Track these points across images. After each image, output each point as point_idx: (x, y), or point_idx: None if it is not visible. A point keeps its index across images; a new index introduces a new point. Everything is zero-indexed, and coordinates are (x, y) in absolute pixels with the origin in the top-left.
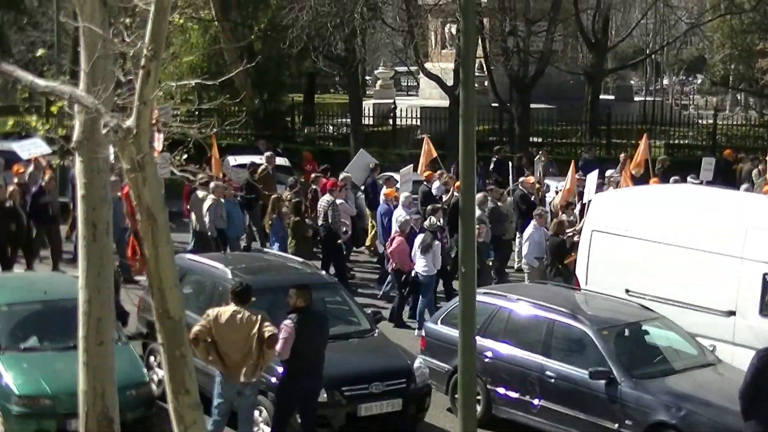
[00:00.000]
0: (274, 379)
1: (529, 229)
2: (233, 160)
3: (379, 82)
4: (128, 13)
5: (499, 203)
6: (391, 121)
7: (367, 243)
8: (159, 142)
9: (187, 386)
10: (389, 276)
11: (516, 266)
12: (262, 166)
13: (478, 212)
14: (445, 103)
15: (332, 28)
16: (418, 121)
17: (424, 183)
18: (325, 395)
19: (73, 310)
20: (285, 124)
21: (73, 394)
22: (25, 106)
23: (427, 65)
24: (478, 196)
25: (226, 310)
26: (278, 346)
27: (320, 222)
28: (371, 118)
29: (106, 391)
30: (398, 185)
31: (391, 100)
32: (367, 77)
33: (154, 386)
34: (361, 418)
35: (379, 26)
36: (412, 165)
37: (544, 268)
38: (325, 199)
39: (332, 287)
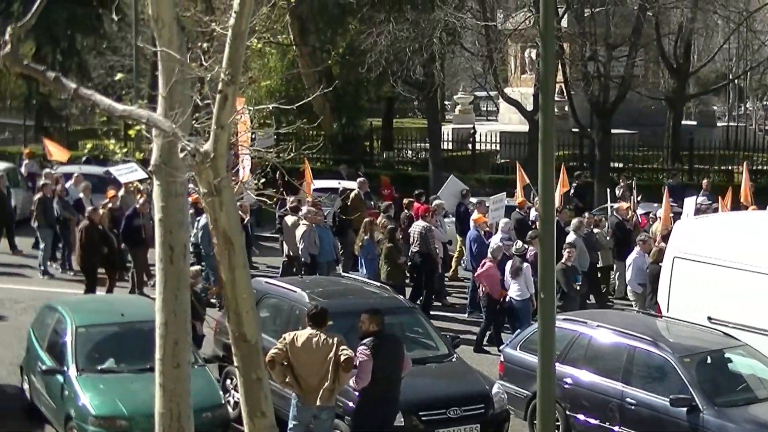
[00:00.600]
0: (351, 404)
1: (633, 255)
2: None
3: (458, 107)
4: (206, 38)
5: (595, 229)
6: (470, 146)
7: (453, 268)
8: (246, 169)
9: (262, 409)
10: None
11: (615, 293)
12: (355, 191)
13: (573, 237)
14: (524, 128)
15: (411, 52)
16: (498, 146)
17: (517, 210)
18: (402, 420)
19: (150, 333)
20: (363, 148)
21: (149, 416)
22: (104, 129)
23: (507, 90)
24: (574, 221)
25: (303, 334)
26: (356, 374)
27: (414, 248)
28: (450, 143)
29: (182, 414)
30: (490, 212)
31: (471, 125)
32: (446, 102)
33: (230, 409)
34: None
35: (459, 51)
36: (504, 192)
37: (646, 294)
38: (419, 225)
39: (410, 312)
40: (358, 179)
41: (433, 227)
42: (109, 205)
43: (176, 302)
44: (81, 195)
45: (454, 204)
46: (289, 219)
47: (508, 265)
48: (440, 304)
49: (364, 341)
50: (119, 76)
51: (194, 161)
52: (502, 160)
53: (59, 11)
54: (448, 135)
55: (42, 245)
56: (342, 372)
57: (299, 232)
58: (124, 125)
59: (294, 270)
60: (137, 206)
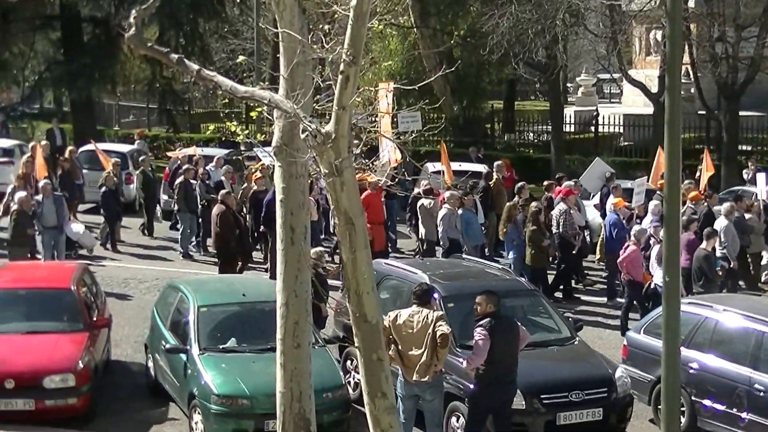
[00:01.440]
0: (472, 386)
1: None
2: (432, 166)
3: (580, 89)
4: (327, 20)
5: (746, 214)
6: (593, 129)
7: (597, 253)
8: (394, 152)
9: (383, 390)
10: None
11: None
12: (496, 176)
13: (724, 222)
14: (648, 110)
15: (533, 34)
16: (621, 128)
17: (658, 193)
18: (524, 402)
19: (271, 313)
20: (485, 131)
21: (270, 395)
22: (225, 112)
23: (631, 72)
24: (726, 206)
25: (406, 311)
26: (471, 354)
27: (553, 230)
28: (573, 126)
29: (302, 393)
30: (633, 195)
31: (593, 108)
32: (569, 84)
33: (350, 389)
34: (560, 427)
35: (582, 33)
36: (645, 176)
37: None
38: (558, 208)
39: (532, 294)
40: (496, 163)
41: (570, 210)
42: (254, 187)
43: (297, 282)
44: (222, 178)
45: (598, 187)
46: (425, 201)
47: (655, 249)
48: (581, 287)
49: (481, 322)
50: (241, 58)
51: (316, 142)
52: (626, 143)
53: None
54: (570, 118)
55: (181, 228)
56: (439, 348)
57: (440, 215)
58: (246, 108)
59: (429, 254)
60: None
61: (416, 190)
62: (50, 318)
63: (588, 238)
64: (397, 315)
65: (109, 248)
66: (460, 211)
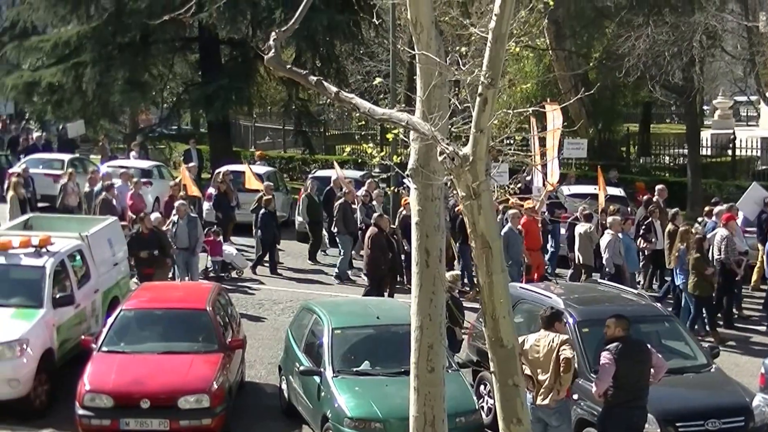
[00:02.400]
0: (598, 410)
1: None
2: (567, 189)
3: (717, 112)
4: (463, 42)
5: None
6: (730, 152)
7: (754, 279)
8: (552, 175)
9: (519, 415)
10: None
11: None
12: (655, 198)
13: None
14: None
15: (669, 56)
16: (759, 152)
17: None
18: (659, 430)
19: (405, 336)
20: (620, 153)
21: (403, 419)
22: (360, 134)
23: None
24: None
25: (533, 335)
26: (596, 378)
27: (715, 257)
28: (709, 149)
29: (436, 418)
30: None
31: (730, 131)
32: (705, 107)
33: (483, 414)
34: None
35: (719, 54)
36: None
37: None
38: (719, 234)
39: (668, 320)
40: (658, 187)
41: (733, 236)
42: (404, 212)
43: (431, 306)
44: (374, 203)
45: (755, 212)
46: (581, 227)
47: None
48: (736, 315)
49: (608, 346)
50: (377, 80)
51: (453, 165)
52: (763, 167)
53: (319, 17)
54: (706, 141)
55: (342, 251)
56: (562, 373)
57: (604, 241)
58: (381, 129)
59: (582, 278)
60: None
61: (573, 215)
62: (186, 338)
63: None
64: (524, 339)
65: (255, 271)
66: (620, 236)
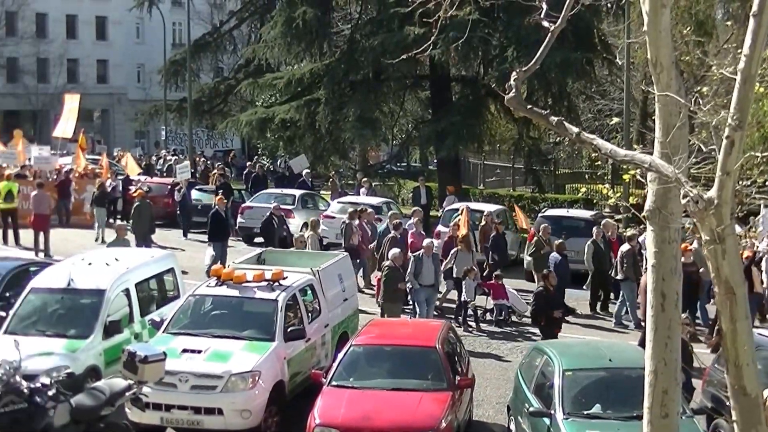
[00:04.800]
0: None
1: None
2: None
3: None
4: (704, 82)
5: None
6: None
7: None
8: None
9: None
10: None
11: None
12: None
13: None
14: None
15: None
16: None
17: None
18: None
19: (638, 380)
20: None
21: None
22: (591, 173)
23: None
24: None
25: None
26: None
27: None
28: None
29: None
30: None
31: None
32: None
33: None
34: None
35: None
36: None
37: None
38: None
39: None
40: None
41: None
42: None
43: (666, 350)
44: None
45: None
46: None
47: None
48: None
49: None
50: (615, 120)
51: (697, 208)
52: None
53: (553, 55)
54: None
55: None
56: None
57: None
58: (612, 169)
59: None
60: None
61: None
62: (414, 375)
63: None
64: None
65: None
66: None
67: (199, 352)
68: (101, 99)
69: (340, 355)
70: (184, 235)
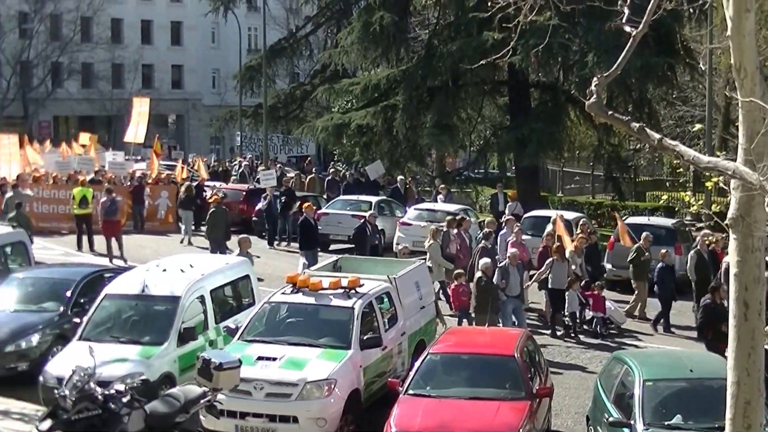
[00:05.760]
0: None
1: None
2: None
3: None
4: None
5: None
6: None
7: None
8: None
9: None
10: None
11: None
12: None
13: None
14: None
15: None
16: None
17: None
18: None
19: (719, 390)
20: None
21: None
22: (672, 180)
23: None
24: None
25: None
26: None
27: None
28: None
29: None
30: None
31: None
32: None
33: None
34: None
35: None
36: None
37: None
38: None
39: None
40: None
41: None
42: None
43: (749, 361)
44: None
45: None
46: None
47: None
48: None
49: None
50: (698, 127)
51: None
52: None
53: (634, 60)
54: None
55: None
56: None
57: None
58: (694, 177)
59: None
60: None
61: None
62: (492, 384)
63: None
64: None
65: (657, 328)
66: None
67: (275, 359)
68: (176, 104)
69: (417, 364)
70: (270, 243)
